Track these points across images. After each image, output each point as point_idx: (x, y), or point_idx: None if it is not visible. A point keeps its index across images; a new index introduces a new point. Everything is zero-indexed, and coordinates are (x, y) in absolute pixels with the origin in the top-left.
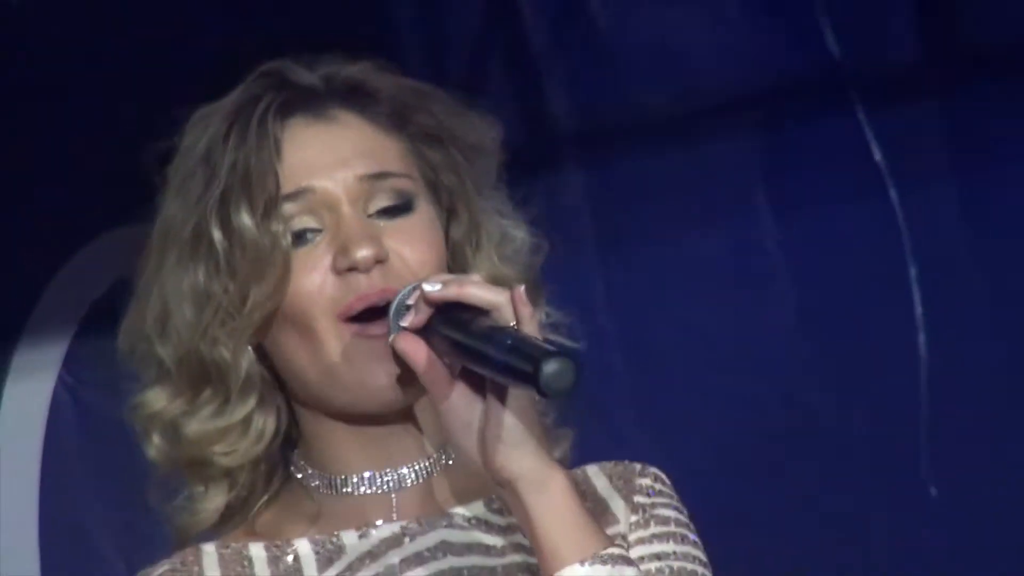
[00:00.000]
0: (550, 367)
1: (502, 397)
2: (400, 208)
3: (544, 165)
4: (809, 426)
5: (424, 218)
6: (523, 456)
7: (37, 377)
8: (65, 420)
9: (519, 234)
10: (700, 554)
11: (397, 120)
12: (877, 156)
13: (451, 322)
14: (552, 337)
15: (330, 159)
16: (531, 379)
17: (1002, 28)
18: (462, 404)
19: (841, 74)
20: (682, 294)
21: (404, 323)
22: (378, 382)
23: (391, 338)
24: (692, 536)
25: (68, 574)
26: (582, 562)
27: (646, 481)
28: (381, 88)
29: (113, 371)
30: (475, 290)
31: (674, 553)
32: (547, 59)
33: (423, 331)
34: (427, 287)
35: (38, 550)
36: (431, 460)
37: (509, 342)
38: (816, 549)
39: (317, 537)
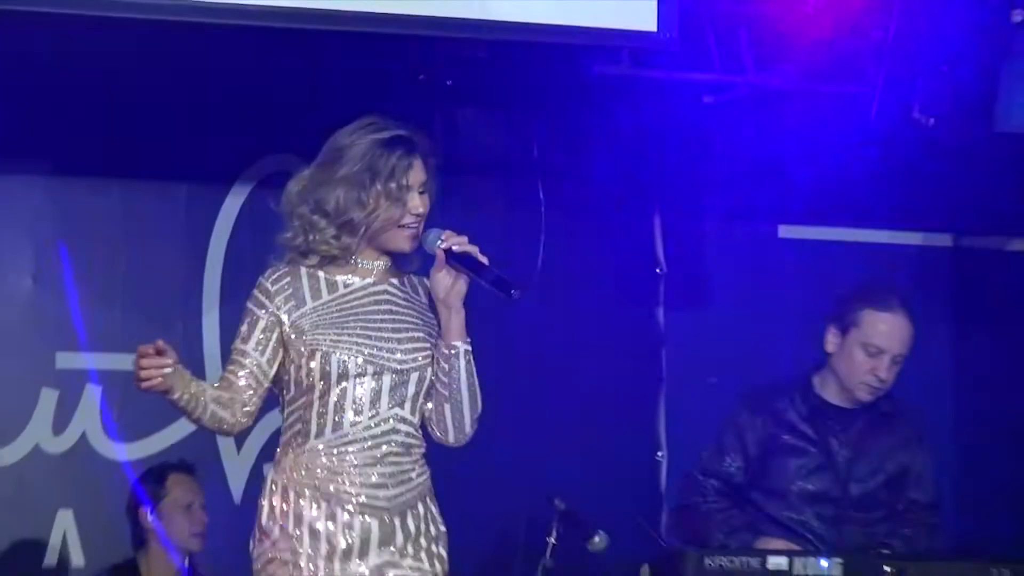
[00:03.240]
0: (516, 290)
1: (460, 280)
2: (426, 190)
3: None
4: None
5: (429, 194)
6: (457, 300)
7: (233, 207)
8: (244, 225)
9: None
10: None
11: (425, 157)
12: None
13: (461, 253)
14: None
15: (407, 166)
16: (506, 291)
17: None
18: (445, 276)
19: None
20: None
21: (442, 245)
22: (399, 244)
23: (439, 245)
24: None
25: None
26: (460, 341)
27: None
28: (422, 144)
29: (268, 208)
30: (468, 244)
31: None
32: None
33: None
34: (454, 237)
35: (219, 296)
36: (384, 262)
37: (496, 272)
38: None
39: (343, 274)
